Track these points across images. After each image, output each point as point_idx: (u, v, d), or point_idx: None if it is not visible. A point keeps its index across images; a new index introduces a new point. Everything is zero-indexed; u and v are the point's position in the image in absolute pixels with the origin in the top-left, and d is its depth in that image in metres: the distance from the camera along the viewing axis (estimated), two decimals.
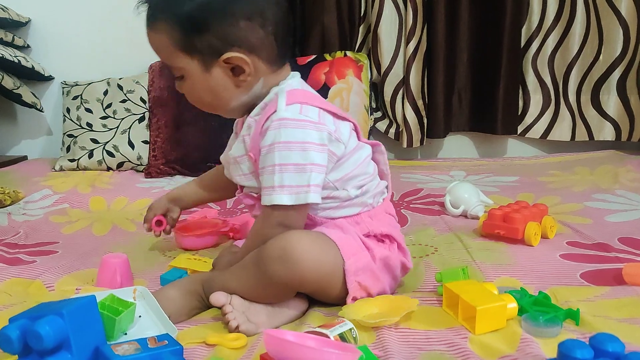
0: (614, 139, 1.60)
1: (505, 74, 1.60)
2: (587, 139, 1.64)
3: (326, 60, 1.65)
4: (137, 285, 0.75)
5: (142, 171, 1.67)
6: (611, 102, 1.58)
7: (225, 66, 0.72)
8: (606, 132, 1.60)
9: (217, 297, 0.69)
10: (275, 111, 0.71)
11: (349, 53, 1.66)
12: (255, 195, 0.76)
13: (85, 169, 1.69)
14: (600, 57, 1.57)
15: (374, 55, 1.68)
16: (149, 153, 1.67)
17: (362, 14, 1.69)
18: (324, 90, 1.61)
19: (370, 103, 1.67)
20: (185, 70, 0.73)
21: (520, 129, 1.67)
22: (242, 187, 0.79)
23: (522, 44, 1.63)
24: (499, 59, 1.60)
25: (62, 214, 1.28)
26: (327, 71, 1.64)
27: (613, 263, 0.84)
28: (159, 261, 0.96)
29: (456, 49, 1.64)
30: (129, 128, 1.69)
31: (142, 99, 1.71)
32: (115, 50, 1.81)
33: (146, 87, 1.71)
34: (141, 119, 1.70)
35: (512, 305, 0.65)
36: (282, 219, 0.71)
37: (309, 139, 0.69)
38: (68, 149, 1.72)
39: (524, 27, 1.62)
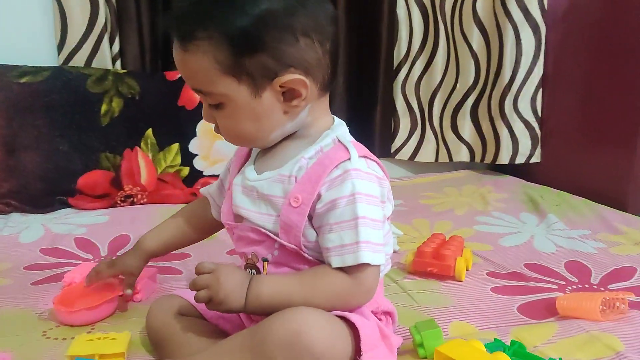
0: (468, 161, 1.77)
1: (382, 97, 1.65)
2: (447, 160, 1.78)
3: None
4: None
5: None
6: (466, 126, 1.75)
7: (279, 90, 0.60)
8: (462, 154, 1.76)
9: None
10: (349, 160, 0.61)
11: None
12: (265, 232, 0.65)
13: None
14: (458, 85, 1.72)
15: None
16: None
17: None
18: (199, 110, 1.43)
19: None
20: (227, 98, 0.60)
21: (391, 149, 1.75)
22: (237, 217, 0.68)
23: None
24: (375, 82, 1.64)
25: None
26: None
27: (538, 294, 0.90)
28: (47, 350, 0.72)
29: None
30: None
31: None
32: None
33: None
34: None
35: None
36: (373, 280, 0.61)
37: (377, 194, 0.63)
38: None
39: (395, 52, 1.69)
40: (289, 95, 0.62)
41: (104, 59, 1.45)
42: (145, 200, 1.40)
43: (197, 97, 1.45)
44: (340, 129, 0.67)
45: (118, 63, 1.49)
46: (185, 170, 1.42)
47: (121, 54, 1.49)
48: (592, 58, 1.52)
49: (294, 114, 0.64)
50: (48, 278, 0.94)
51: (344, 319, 0.61)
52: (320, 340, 0.55)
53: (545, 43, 1.61)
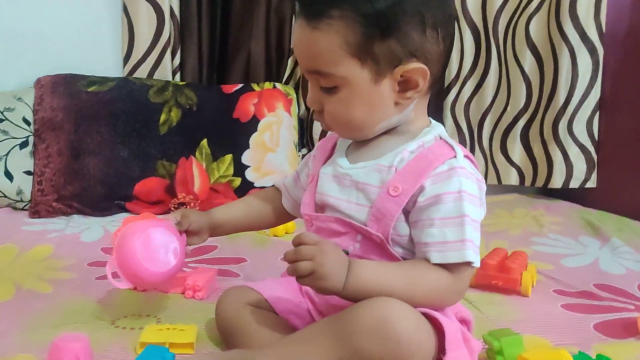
0: (518, 184, 1.73)
1: (432, 117, 1.64)
2: (496, 183, 1.75)
3: (254, 90, 1.52)
4: None
5: (23, 209, 1.32)
6: (516, 149, 1.71)
7: (397, 79, 0.60)
8: (512, 177, 1.73)
9: None
10: (455, 157, 0.61)
11: (278, 85, 1.55)
12: (350, 222, 0.63)
13: None
14: (508, 107, 1.70)
15: (303, 90, 1.60)
16: (33, 187, 1.34)
17: (291, 46, 1.60)
18: (253, 123, 1.47)
19: (297, 139, 1.58)
20: (346, 81, 0.60)
21: None
22: (318, 208, 0.67)
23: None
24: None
25: None
26: (256, 102, 1.50)
27: (614, 312, 0.86)
28: (118, 338, 0.72)
29: None
30: (6, 155, 1.34)
31: (25, 120, 1.37)
32: None
33: (31, 106, 1.38)
34: (23, 145, 1.36)
35: None
36: (468, 281, 0.61)
37: (478, 195, 0.62)
38: None
39: (446, 72, 1.69)
40: (404, 86, 0.62)
41: (165, 72, 1.50)
42: (197, 208, 1.41)
43: (251, 111, 1.48)
44: (440, 128, 0.67)
45: (178, 76, 1.53)
46: (237, 181, 1.43)
47: (181, 66, 1.53)
48: None
49: (402, 107, 0.64)
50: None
51: (426, 316, 0.59)
52: (408, 330, 0.54)
53: (603, 66, 1.58)
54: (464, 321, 0.67)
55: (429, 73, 0.61)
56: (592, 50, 1.57)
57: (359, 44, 0.59)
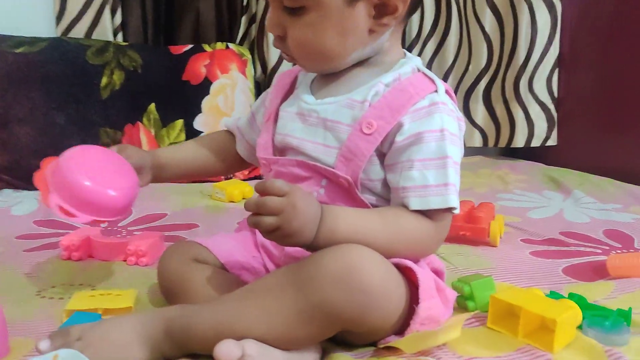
0: (481, 145, 1.71)
1: None
2: None
3: (205, 51, 1.42)
4: (57, 351, 0.46)
5: None
6: (479, 110, 1.69)
7: (374, 2, 0.53)
8: (475, 139, 1.70)
9: (229, 350, 0.45)
10: (436, 92, 0.54)
11: (231, 45, 1.46)
12: (314, 165, 0.56)
13: None
14: (470, 67, 1.67)
15: (259, 50, 1.51)
16: None
17: (244, 4, 1.51)
18: (205, 86, 1.38)
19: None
20: (316, 1, 0.52)
21: None
22: (278, 151, 0.60)
23: None
24: None
25: None
26: (208, 64, 1.41)
27: (581, 257, 0.83)
28: (42, 307, 0.64)
29: None
30: None
31: None
32: None
33: None
34: None
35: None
36: (448, 227, 0.54)
37: (458, 135, 0.56)
38: None
39: (406, 33, 1.64)
40: (381, 10, 0.54)
41: (105, 32, 1.38)
42: None
43: (202, 73, 1.38)
44: (417, 60, 0.60)
45: (119, 36, 1.41)
46: None
47: (122, 26, 1.42)
48: (609, 36, 1.48)
49: (377, 35, 0.56)
50: (43, 246, 0.86)
51: (398, 266, 0.53)
52: (375, 278, 0.48)
53: (561, 21, 1.56)
54: (436, 271, 0.62)
55: None
56: (551, 6, 1.55)
57: None
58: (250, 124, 0.70)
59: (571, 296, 0.63)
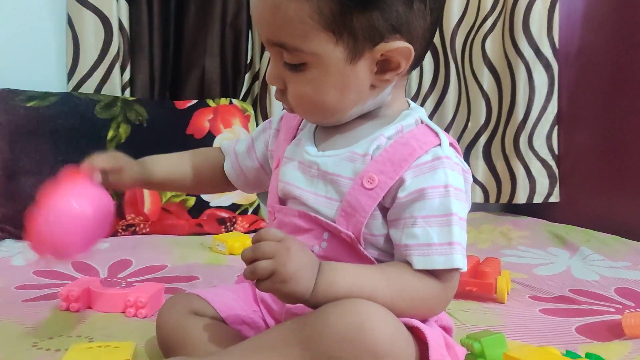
0: (482, 201, 1.70)
1: None
2: None
3: (209, 106, 1.45)
4: None
5: None
6: (479, 166, 1.70)
7: (376, 58, 0.52)
8: (476, 195, 1.70)
9: None
10: (440, 145, 0.54)
11: (234, 101, 1.49)
12: (316, 217, 0.55)
13: None
14: (469, 124, 1.69)
15: (261, 107, 1.54)
16: None
17: (248, 62, 1.55)
18: (208, 140, 1.40)
19: None
20: (316, 58, 0.51)
21: None
22: (281, 199, 0.58)
23: None
24: None
25: None
26: (212, 118, 1.43)
27: (594, 316, 0.81)
28: (37, 358, 0.61)
29: None
30: None
31: None
32: None
33: None
34: None
35: None
36: (456, 287, 0.53)
37: (464, 189, 0.54)
38: None
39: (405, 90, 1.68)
40: (383, 66, 0.54)
41: (114, 87, 1.41)
42: (147, 230, 1.30)
43: (206, 127, 1.40)
44: (421, 111, 0.59)
45: (127, 92, 1.45)
46: (192, 201, 1.34)
47: (131, 82, 1.45)
48: (607, 94, 1.51)
49: (379, 90, 0.55)
50: (41, 296, 0.84)
51: (406, 324, 0.51)
52: (384, 337, 0.46)
53: (558, 81, 1.60)
54: (445, 328, 0.60)
55: (413, 53, 0.53)
56: (547, 66, 1.59)
57: (335, 14, 0.50)
58: (248, 150, 0.70)
59: (588, 356, 0.60)
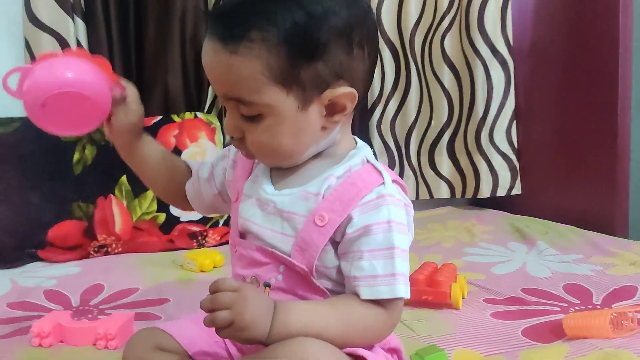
0: (449, 197, 1.76)
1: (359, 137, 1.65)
2: (428, 197, 1.77)
3: (174, 121, 1.47)
4: None
5: None
6: (444, 163, 1.75)
7: (325, 103, 0.56)
8: (442, 191, 1.75)
9: None
10: (383, 184, 0.58)
11: (199, 114, 1.51)
12: (272, 252, 0.59)
13: None
14: (432, 122, 1.74)
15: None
16: None
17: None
18: (175, 154, 1.41)
19: None
20: (270, 109, 0.55)
21: None
22: (241, 232, 0.63)
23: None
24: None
25: None
26: (177, 134, 1.45)
27: (541, 316, 0.87)
28: None
29: None
30: None
31: None
32: None
33: None
34: None
35: None
36: (400, 314, 0.58)
37: (406, 222, 0.59)
38: None
39: (369, 93, 1.71)
40: (331, 109, 0.58)
41: None
42: (120, 249, 1.32)
43: (172, 143, 1.42)
44: (367, 150, 0.64)
45: None
46: (162, 217, 1.36)
47: None
48: (560, 88, 1.57)
49: (329, 131, 0.60)
50: (15, 332, 0.86)
51: (351, 354, 0.56)
52: None
53: (514, 77, 1.65)
54: (393, 350, 0.65)
55: (357, 95, 0.58)
56: (503, 63, 1.64)
57: (283, 69, 0.54)
58: (209, 178, 0.72)
59: None
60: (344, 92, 0.57)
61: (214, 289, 0.52)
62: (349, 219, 0.58)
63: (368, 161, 0.62)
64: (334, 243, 0.59)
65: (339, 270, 0.60)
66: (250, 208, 0.63)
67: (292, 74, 0.55)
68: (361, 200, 0.58)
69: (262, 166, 0.65)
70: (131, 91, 0.69)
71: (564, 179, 1.56)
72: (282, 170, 0.63)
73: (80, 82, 0.62)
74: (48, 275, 1.15)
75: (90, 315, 0.93)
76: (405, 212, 0.61)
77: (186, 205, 0.76)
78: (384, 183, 0.59)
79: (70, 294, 1.04)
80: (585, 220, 1.43)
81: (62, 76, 0.62)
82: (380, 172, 0.60)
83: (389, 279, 0.56)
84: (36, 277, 1.15)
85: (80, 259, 1.28)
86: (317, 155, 0.62)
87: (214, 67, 0.56)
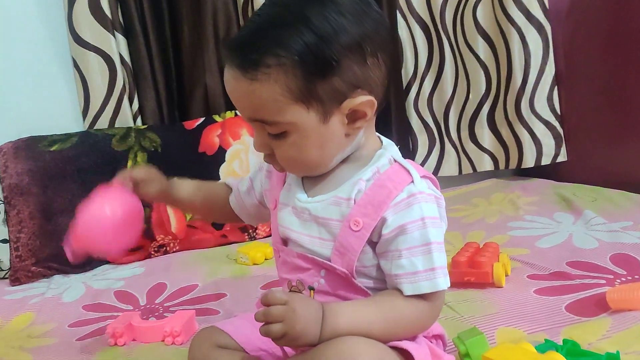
0: (492, 169, 1.74)
1: (396, 118, 1.66)
2: (471, 171, 1.76)
3: (216, 122, 1.53)
4: None
5: (4, 278, 1.33)
6: (485, 135, 1.73)
7: (345, 113, 0.60)
8: (485, 163, 1.74)
9: None
10: (412, 182, 0.61)
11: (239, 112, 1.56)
12: (312, 258, 0.64)
13: None
14: (470, 95, 1.72)
15: None
16: (11, 254, 1.34)
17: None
18: (220, 154, 1.48)
19: None
20: (294, 126, 0.59)
21: None
22: (282, 239, 0.67)
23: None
24: (386, 105, 1.64)
25: None
26: (220, 133, 1.51)
27: (585, 290, 0.87)
28: None
29: None
30: None
31: None
32: None
33: None
34: None
35: None
36: (443, 303, 0.61)
37: (438, 215, 0.62)
38: None
39: (402, 73, 1.71)
40: (353, 117, 0.61)
41: (126, 118, 1.51)
42: (177, 248, 1.42)
43: (216, 143, 1.49)
44: (392, 148, 0.66)
45: (139, 120, 1.54)
46: None
47: (140, 111, 1.54)
48: (603, 48, 1.51)
49: (353, 137, 0.63)
50: (92, 332, 0.96)
51: (395, 347, 0.60)
52: None
53: (553, 41, 1.60)
54: (437, 337, 0.68)
55: (375, 102, 0.61)
56: (540, 28, 1.59)
57: (301, 88, 0.57)
58: (248, 190, 0.78)
59: (565, 342, 0.67)
60: (363, 101, 0.60)
61: (265, 302, 0.56)
62: (383, 221, 0.61)
63: (395, 160, 0.64)
64: (372, 243, 0.63)
65: (378, 267, 0.64)
66: (287, 216, 0.67)
67: (310, 92, 0.58)
68: (393, 201, 0.61)
69: (293, 175, 0.69)
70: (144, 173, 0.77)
71: (612, 142, 1.51)
72: (313, 178, 0.67)
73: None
74: (116, 277, 1.26)
75: (157, 314, 1.01)
76: (437, 205, 0.63)
77: (240, 220, 0.83)
78: (413, 181, 0.62)
79: (137, 293, 1.13)
80: (636, 183, 1.39)
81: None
82: (408, 171, 0.63)
83: (429, 273, 0.60)
84: (106, 279, 1.25)
85: (143, 259, 1.38)
86: (344, 160, 0.65)
87: (237, 94, 0.60)
